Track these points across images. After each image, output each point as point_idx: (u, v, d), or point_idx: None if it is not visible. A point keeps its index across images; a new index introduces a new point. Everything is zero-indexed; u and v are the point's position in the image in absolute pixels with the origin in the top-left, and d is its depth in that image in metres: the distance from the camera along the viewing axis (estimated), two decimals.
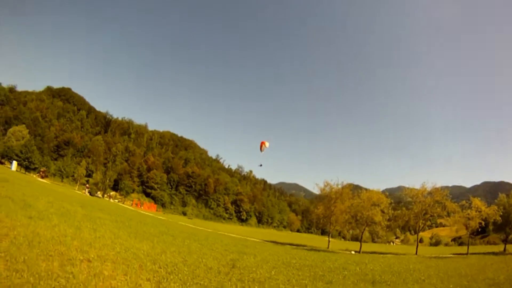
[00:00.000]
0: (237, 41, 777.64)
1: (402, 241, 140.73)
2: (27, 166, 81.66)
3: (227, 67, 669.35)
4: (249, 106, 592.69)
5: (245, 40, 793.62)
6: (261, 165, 51.36)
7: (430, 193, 42.27)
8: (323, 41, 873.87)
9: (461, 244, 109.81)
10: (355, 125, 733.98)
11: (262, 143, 38.43)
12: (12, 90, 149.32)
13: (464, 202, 45.50)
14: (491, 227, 59.83)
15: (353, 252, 37.07)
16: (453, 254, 42.12)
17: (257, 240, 39.55)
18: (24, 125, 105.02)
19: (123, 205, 77.47)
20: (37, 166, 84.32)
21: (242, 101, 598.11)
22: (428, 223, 47.08)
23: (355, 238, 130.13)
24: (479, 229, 56.47)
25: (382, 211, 39.56)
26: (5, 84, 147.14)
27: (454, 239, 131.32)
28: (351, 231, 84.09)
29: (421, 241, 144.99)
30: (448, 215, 44.57)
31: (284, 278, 10.75)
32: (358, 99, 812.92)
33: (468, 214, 42.72)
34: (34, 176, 71.48)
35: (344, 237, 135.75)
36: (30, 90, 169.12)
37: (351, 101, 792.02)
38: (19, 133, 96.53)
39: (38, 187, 34.94)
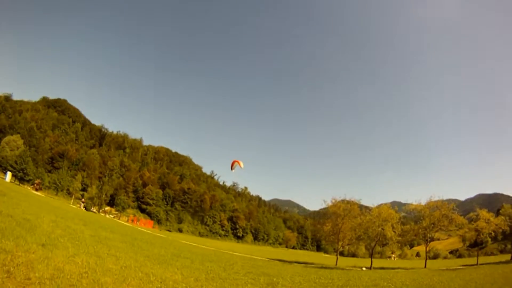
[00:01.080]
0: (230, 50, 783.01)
1: (399, 255, 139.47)
2: (21, 177, 79.52)
3: (223, 81, 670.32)
4: (246, 122, 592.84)
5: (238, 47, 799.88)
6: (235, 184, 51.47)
7: (436, 206, 41.76)
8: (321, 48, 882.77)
9: (459, 256, 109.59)
10: (346, 144, 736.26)
11: (234, 162, 37.67)
12: (7, 98, 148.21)
13: (471, 214, 45.51)
14: (500, 237, 60.15)
15: (364, 269, 35.84)
16: (462, 265, 41.58)
17: (264, 259, 38.13)
18: (19, 135, 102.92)
19: (119, 221, 75.33)
20: (31, 178, 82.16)
21: (238, 115, 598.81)
22: (436, 235, 46.78)
23: (352, 254, 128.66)
24: (483, 241, 56.68)
25: (392, 227, 38.66)
26: (0, 93, 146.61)
27: (451, 252, 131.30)
28: (350, 247, 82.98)
29: (418, 255, 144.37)
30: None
31: None
32: (349, 115, 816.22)
33: (477, 225, 42.68)
34: (28, 188, 69.50)
35: (341, 253, 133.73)
36: (26, 99, 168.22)
37: (341, 116, 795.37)
38: (13, 143, 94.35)
39: (35, 202, 33.88)
